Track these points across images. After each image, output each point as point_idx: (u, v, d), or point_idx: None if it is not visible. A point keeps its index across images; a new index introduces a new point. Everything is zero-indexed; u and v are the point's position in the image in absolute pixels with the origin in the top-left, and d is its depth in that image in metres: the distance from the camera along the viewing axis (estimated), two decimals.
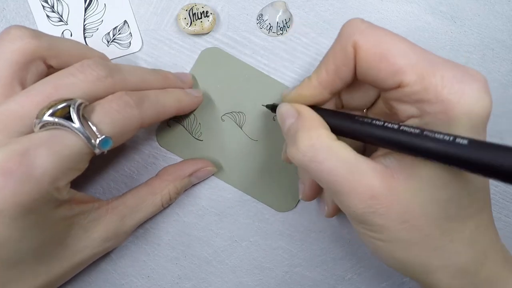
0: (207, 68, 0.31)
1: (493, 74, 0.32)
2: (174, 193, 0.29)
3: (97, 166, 0.30)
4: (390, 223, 0.19)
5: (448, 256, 0.20)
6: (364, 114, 0.26)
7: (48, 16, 0.30)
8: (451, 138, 0.16)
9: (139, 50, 0.31)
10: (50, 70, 0.24)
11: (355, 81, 0.22)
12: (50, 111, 0.20)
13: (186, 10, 0.30)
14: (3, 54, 0.22)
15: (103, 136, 0.21)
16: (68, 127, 0.20)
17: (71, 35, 0.30)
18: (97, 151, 0.21)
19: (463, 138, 0.16)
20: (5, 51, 0.22)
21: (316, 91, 0.22)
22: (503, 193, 0.32)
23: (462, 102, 0.17)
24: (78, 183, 0.30)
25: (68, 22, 0.30)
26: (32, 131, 0.21)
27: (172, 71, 0.30)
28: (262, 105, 0.30)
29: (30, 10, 0.30)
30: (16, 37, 0.22)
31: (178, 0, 0.31)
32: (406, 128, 0.18)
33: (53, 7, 0.30)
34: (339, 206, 0.22)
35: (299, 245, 0.31)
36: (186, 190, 0.30)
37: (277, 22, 0.30)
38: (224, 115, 0.31)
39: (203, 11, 0.30)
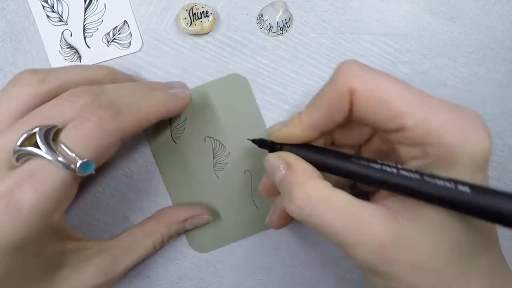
0: (223, 90, 0.30)
1: (493, 74, 0.32)
2: (167, 236, 0.28)
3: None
4: (402, 271, 0.18)
5: None
6: (356, 151, 0.26)
7: (48, 16, 0.30)
8: (453, 185, 0.15)
9: (139, 50, 0.31)
10: None
11: (348, 120, 0.21)
12: (20, 140, 0.19)
13: (186, 10, 0.30)
14: (12, 96, 0.22)
15: (82, 161, 0.20)
16: (40, 155, 0.19)
17: (71, 35, 0.30)
18: (82, 174, 0.20)
19: (464, 184, 0.15)
20: (14, 93, 0.22)
21: (307, 132, 0.22)
22: None
23: (464, 145, 0.17)
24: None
25: (68, 22, 0.30)
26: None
27: (172, 71, 0.31)
28: (248, 139, 0.27)
29: (30, 10, 0.30)
30: (27, 82, 0.22)
31: (178, 0, 0.31)
32: (405, 173, 0.17)
33: (53, 7, 0.30)
34: (346, 255, 0.20)
35: (299, 245, 0.31)
36: (179, 234, 0.30)
37: (277, 22, 0.30)
38: (208, 137, 0.30)
39: (203, 11, 0.30)
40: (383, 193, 0.21)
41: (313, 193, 0.20)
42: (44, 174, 0.19)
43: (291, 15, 0.31)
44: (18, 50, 0.30)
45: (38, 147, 0.19)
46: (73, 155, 0.20)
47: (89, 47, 0.30)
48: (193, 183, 0.30)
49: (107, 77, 0.26)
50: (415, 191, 0.17)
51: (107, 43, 0.30)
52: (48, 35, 0.30)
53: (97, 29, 0.30)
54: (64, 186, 0.20)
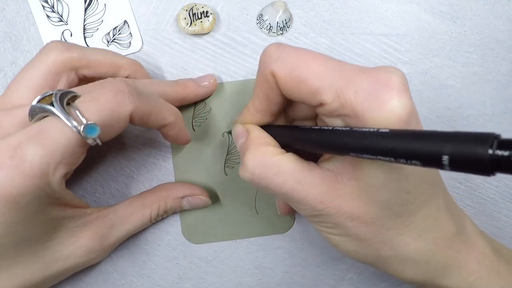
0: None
1: (493, 74, 0.32)
2: (163, 210, 0.28)
3: (97, 166, 0.30)
4: (341, 221, 0.21)
5: (396, 248, 0.22)
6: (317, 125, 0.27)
7: (48, 16, 0.30)
8: (375, 129, 0.17)
9: (139, 50, 0.31)
10: (81, 82, 0.25)
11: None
12: (37, 98, 0.21)
13: (186, 10, 0.30)
14: (38, 64, 0.24)
15: (88, 122, 0.20)
16: (50, 111, 0.20)
17: (71, 35, 0.30)
18: (90, 141, 0.21)
19: (385, 129, 0.17)
20: (40, 61, 0.24)
21: (256, 117, 0.24)
22: (503, 193, 0.32)
23: (375, 115, 0.18)
24: (78, 183, 0.30)
25: (68, 22, 0.30)
26: None
27: (172, 71, 0.31)
28: (226, 132, 0.30)
29: (30, 10, 0.30)
30: (51, 49, 0.24)
31: (178, 0, 0.31)
32: (338, 128, 0.19)
33: (53, 7, 0.30)
34: (294, 209, 0.23)
35: (299, 245, 0.31)
36: (175, 212, 0.30)
37: (277, 22, 0.30)
38: (227, 132, 0.31)
39: (203, 11, 0.30)
40: (326, 156, 0.23)
41: (264, 158, 0.21)
42: (51, 133, 0.20)
43: (291, 15, 0.31)
44: (18, 50, 0.30)
45: (52, 105, 0.20)
46: (83, 119, 0.20)
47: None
48: (200, 173, 0.31)
49: (130, 67, 0.27)
50: (347, 143, 0.18)
51: (107, 43, 0.30)
52: (48, 35, 0.30)
53: (97, 29, 0.30)
54: (69, 148, 0.20)
